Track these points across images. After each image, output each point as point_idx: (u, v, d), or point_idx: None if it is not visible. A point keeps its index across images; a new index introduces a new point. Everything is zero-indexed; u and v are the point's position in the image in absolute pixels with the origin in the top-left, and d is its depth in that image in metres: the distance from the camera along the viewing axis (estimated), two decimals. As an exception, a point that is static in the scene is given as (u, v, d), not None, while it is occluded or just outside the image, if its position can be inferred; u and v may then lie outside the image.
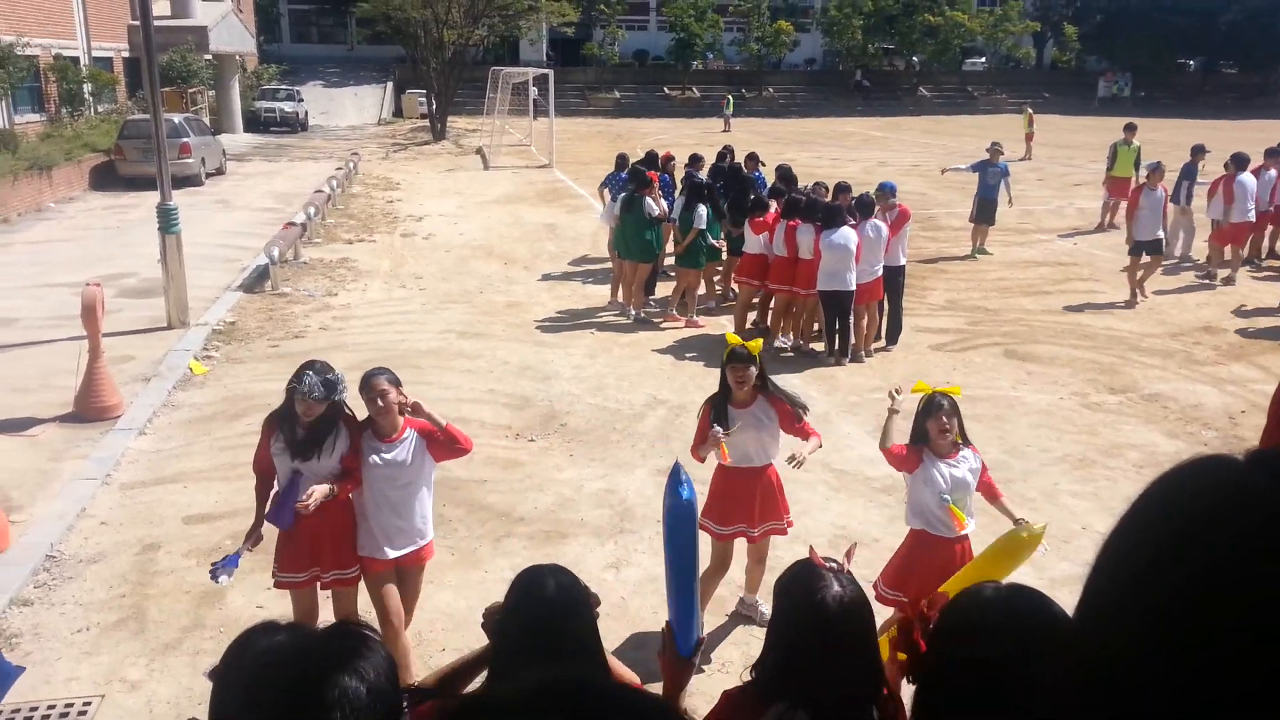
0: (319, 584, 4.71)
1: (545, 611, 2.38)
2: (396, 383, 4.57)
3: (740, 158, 13.89)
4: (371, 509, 4.66)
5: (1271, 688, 0.70)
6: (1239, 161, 14.01)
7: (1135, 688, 0.77)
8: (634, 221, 11.64)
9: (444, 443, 4.64)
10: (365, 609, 5.43)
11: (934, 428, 4.59)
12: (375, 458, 4.57)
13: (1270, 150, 14.93)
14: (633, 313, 11.89)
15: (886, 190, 10.93)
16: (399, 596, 4.77)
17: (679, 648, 3.07)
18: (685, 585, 3.24)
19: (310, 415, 4.44)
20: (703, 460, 5.23)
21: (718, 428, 5.04)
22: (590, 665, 2.38)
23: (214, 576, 4.64)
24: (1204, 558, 0.75)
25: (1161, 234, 12.83)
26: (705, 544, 5.02)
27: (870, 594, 3.62)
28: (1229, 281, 13.69)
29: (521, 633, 2.40)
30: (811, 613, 2.25)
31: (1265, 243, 15.42)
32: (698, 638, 3.11)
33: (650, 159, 14.13)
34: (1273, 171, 14.68)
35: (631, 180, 12.04)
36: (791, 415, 5.20)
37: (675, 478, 3.12)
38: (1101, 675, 0.81)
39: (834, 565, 2.36)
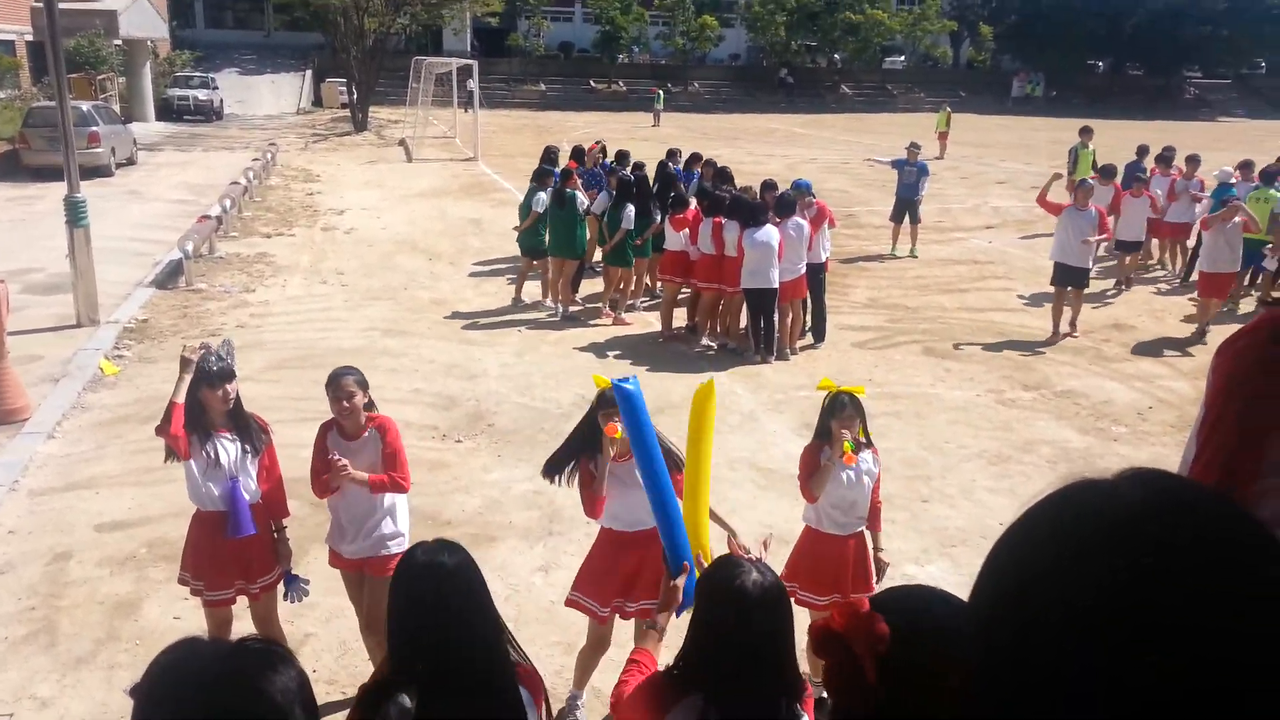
0: (248, 595, 4.63)
1: (417, 583, 2.36)
2: (364, 385, 4.53)
3: (668, 155, 13.96)
4: (341, 508, 4.63)
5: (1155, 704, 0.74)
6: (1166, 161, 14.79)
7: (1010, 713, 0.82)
8: (565, 217, 11.61)
9: (385, 478, 4.53)
10: (287, 618, 5.34)
11: (837, 425, 4.62)
12: (339, 457, 4.48)
13: (1159, 156, 15.38)
14: (559, 309, 11.87)
15: (802, 188, 11.10)
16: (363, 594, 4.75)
17: (669, 567, 3.18)
18: (659, 495, 3.35)
19: (230, 399, 4.40)
20: (599, 509, 4.49)
21: (611, 433, 4.30)
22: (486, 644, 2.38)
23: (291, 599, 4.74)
24: (1077, 579, 0.80)
25: (1088, 263, 11.31)
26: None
27: None
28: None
29: (401, 606, 2.38)
30: (729, 600, 2.31)
31: (1157, 254, 15.38)
32: (684, 562, 3.17)
33: (576, 152, 14.16)
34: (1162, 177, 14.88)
35: (536, 177, 12.21)
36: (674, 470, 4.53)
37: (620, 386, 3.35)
38: (983, 697, 0.86)
39: (751, 556, 2.43)
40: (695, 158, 13.93)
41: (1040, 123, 46.45)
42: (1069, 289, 11.19)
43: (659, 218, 11.74)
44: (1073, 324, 11.35)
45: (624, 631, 4.84)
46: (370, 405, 4.62)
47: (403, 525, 4.75)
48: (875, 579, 4.91)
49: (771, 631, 2.31)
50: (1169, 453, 8.14)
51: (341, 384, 4.46)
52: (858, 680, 2.23)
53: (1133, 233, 13.82)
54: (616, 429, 4.19)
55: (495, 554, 6.29)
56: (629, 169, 13.02)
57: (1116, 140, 22.67)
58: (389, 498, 4.64)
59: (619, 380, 3.43)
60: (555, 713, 4.85)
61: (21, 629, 5.33)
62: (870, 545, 4.95)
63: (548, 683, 4.98)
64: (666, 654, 3.98)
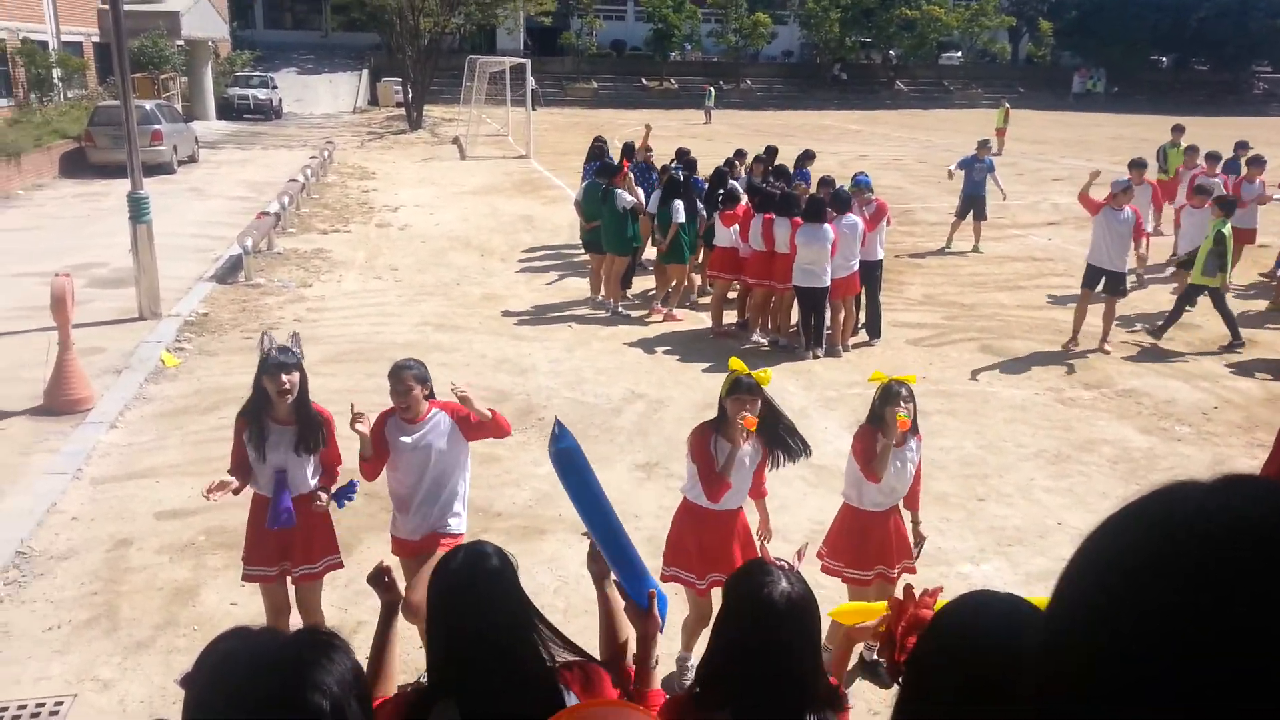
0: (289, 579, 4.71)
1: (447, 587, 2.33)
2: (423, 379, 4.61)
3: (729, 153, 13.98)
4: (402, 493, 4.69)
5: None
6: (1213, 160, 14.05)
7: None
8: (610, 214, 11.61)
9: (479, 425, 4.64)
10: (332, 607, 5.41)
11: (891, 413, 4.68)
12: (404, 439, 4.59)
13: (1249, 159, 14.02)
14: (611, 305, 11.87)
15: (861, 185, 10.96)
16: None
17: (634, 598, 3.06)
18: (605, 537, 3.19)
19: (287, 391, 4.44)
20: (722, 493, 4.65)
21: (749, 425, 4.51)
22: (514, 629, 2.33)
23: (339, 502, 4.76)
24: (1159, 593, 0.75)
25: (1124, 267, 10.52)
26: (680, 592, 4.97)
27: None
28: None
29: (437, 612, 2.35)
30: (754, 608, 2.25)
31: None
32: (650, 590, 3.07)
33: (627, 149, 14.13)
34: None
35: (601, 174, 12.06)
36: (764, 468, 4.85)
37: (553, 433, 3.04)
38: (1058, 707, 0.81)
39: (784, 565, 2.36)
40: (807, 155, 14.30)
41: (1102, 119, 45.50)
42: (1103, 295, 10.42)
43: (706, 214, 11.69)
44: (1105, 337, 10.51)
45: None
46: (430, 398, 4.68)
47: (463, 507, 4.83)
48: (915, 551, 5.12)
49: (796, 643, 2.24)
50: (1234, 454, 7.91)
51: (401, 378, 4.53)
52: (890, 651, 2.20)
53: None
54: (754, 421, 4.49)
55: (545, 546, 6.30)
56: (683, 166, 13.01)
57: (1190, 136, 22.04)
58: (461, 480, 4.75)
59: (556, 437, 3.02)
60: (665, 676, 4.92)
61: (84, 613, 5.45)
62: (909, 521, 5.15)
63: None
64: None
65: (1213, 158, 14.64)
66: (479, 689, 2.22)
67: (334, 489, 4.77)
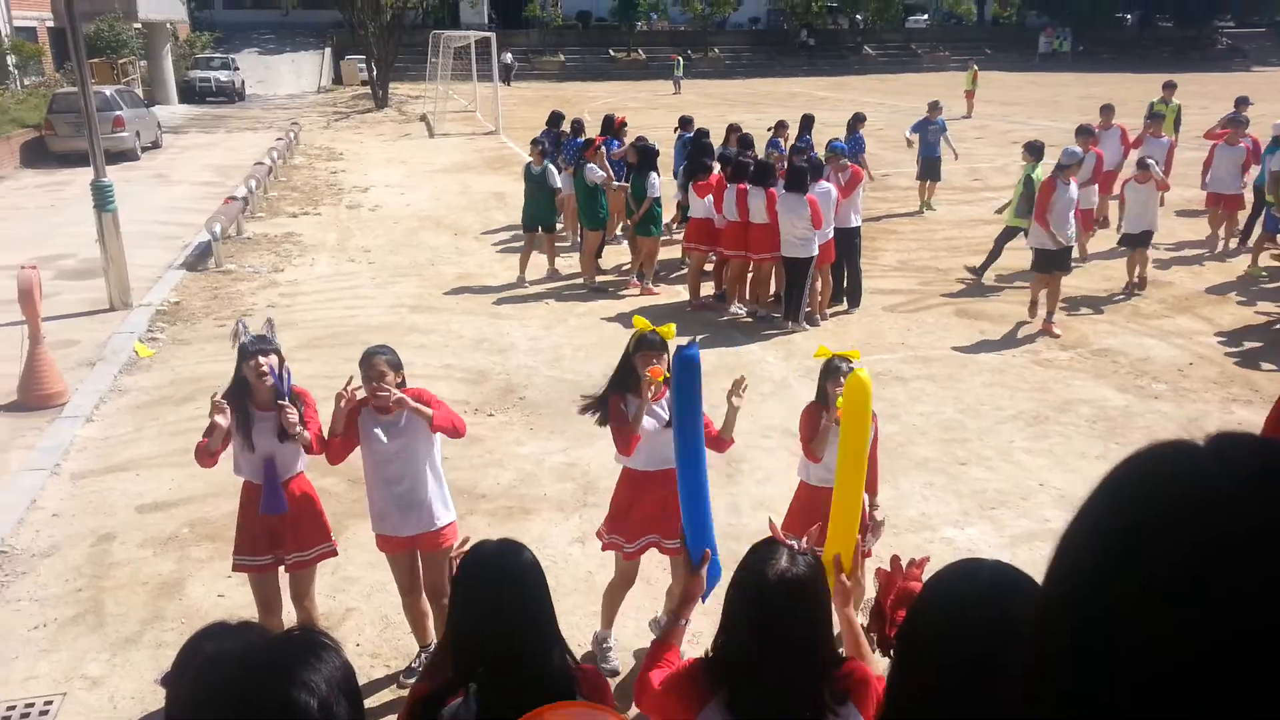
0: (282, 567, 4.67)
1: (477, 604, 2.32)
2: (396, 365, 4.47)
3: (699, 124, 13.82)
4: (379, 486, 4.59)
5: (1232, 686, 0.70)
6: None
7: (1094, 685, 0.77)
8: (581, 188, 11.55)
9: (446, 415, 4.54)
10: (320, 594, 5.38)
11: (831, 388, 4.62)
12: (377, 431, 4.48)
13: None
14: (588, 281, 11.82)
15: (837, 150, 10.92)
16: (416, 572, 4.74)
17: (690, 550, 3.10)
18: (688, 469, 3.27)
19: (265, 374, 4.38)
20: (632, 447, 4.60)
21: (655, 375, 4.40)
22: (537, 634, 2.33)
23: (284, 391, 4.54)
24: (1165, 555, 0.75)
25: (1055, 243, 9.83)
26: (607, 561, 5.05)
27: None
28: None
29: (460, 620, 2.36)
30: (754, 587, 2.26)
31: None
32: (705, 550, 3.09)
33: (607, 123, 14.02)
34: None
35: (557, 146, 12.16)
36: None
37: (690, 342, 3.29)
38: (1060, 670, 0.81)
39: (794, 543, 2.36)
40: (859, 118, 14.63)
41: (1069, 78, 45.61)
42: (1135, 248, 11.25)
43: (680, 185, 11.67)
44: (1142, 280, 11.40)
45: (651, 567, 4.83)
46: (402, 386, 4.57)
47: (448, 500, 4.75)
48: (868, 534, 4.85)
49: (796, 620, 2.22)
50: (1211, 409, 8.01)
51: (373, 363, 4.40)
52: (880, 623, 2.21)
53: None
54: (660, 371, 4.37)
55: (531, 526, 6.30)
56: (692, 134, 12.91)
57: (1147, 94, 22.15)
58: (430, 473, 4.61)
59: (684, 346, 3.33)
60: (581, 656, 4.93)
61: (69, 610, 5.40)
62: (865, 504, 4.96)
63: (584, 651, 5.02)
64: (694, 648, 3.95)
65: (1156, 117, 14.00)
66: (502, 682, 2.23)
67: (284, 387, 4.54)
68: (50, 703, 4.63)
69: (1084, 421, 7.86)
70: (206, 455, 4.42)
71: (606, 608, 5.02)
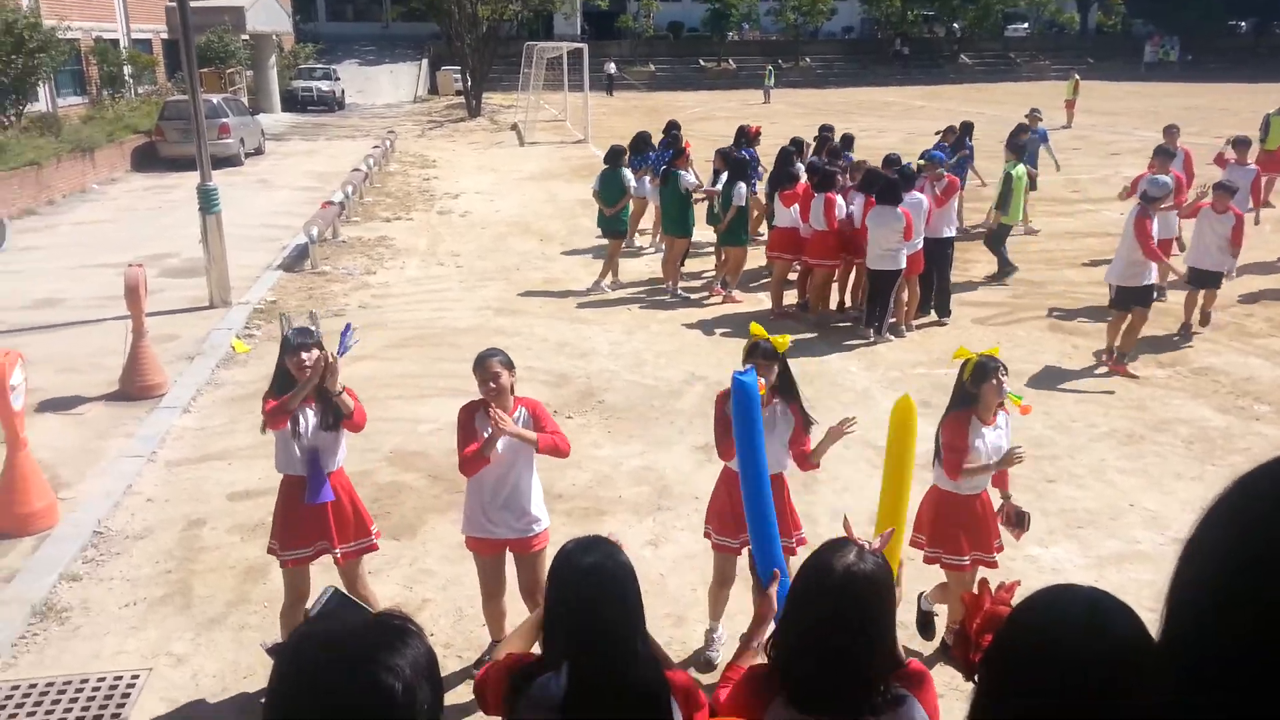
0: (333, 558, 4.68)
1: (574, 596, 2.38)
2: (509, 365, 4.48)
3: (790, 133, 13.68)
4: (475, 488, 4.61)
5: None
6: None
7: (1236, 707, 0.71)
8: (670, 195, 11.57)
9: (549, 434, 4.55)
10: (396, 585, 5.46)
11: (989, 388, 4.57)
12: (486, 434, 4.46)
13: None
14: (670, 288, 11.83)
15: (935, 160, 10.72)
16: (502, 576, 4.76)
17: (759, 572, 3.08)
18: (752, 489, 3.27)
19: (307, 368, 4.41)
20: (732, 452, 4.70)
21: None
22: (626, 643, 2.36)
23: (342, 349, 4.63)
24: None
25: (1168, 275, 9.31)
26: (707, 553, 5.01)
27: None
28: None
29: (556, 609, 2.42)
30: (818, 580, 2.24)
31: None
32: (774, 570, 3.07)
33: (741, 134, 13.71)
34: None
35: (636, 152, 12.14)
36: (802, 427, 4.75)
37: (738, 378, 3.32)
38: (1194, 697, 0.74)
39: (863, 542, 2.32)
40: (968, 127, 14.48)
41: (1175, 89, 44.04)
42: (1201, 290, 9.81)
43: (767, 195, 11.59)
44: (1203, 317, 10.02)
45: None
46: (513, 386, 4.57)
47: (542, 506, 4.75)
48: (1021, 524, 4.94)
49: (862, 616, 2.18)
50: (1320, 433, 7.61)
51: (488, 365, 4.41)
52: (965, 650, 2.14)
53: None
54: (762, 384, 4.32)
55: (605, 527, 6.30)
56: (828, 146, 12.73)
57: (1259, 105, 21.26)
58: (533, 480, 4.64)
59: (738, 372, 3.35)
60: (692, 651, 4.98)
61: (159, 590, 5.61)
62: (1001, 499, 4.99)
63: (670, 651, 5.00)
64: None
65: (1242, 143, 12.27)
66: (592, 661, 2.30)
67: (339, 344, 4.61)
68: (137, 677, 4.81)
69: (1181, 442, 7.54)
70: (283, 413, 4.42)
71: (711, 602, 5.05)
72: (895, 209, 9.54)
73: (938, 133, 13.62)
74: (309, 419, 4.57)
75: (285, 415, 4.45)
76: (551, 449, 4.51)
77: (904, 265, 9.77)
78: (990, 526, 4.85)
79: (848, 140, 13.46)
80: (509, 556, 4.76)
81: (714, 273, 12.21)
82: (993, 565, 4.83)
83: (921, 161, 10.78)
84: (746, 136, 13.56)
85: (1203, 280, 9.56)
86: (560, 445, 4.54)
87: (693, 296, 11.77)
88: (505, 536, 4.64)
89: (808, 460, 4.73)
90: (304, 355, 4.44)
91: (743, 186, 11.21)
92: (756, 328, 4.69)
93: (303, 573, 4.72)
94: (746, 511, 3.35)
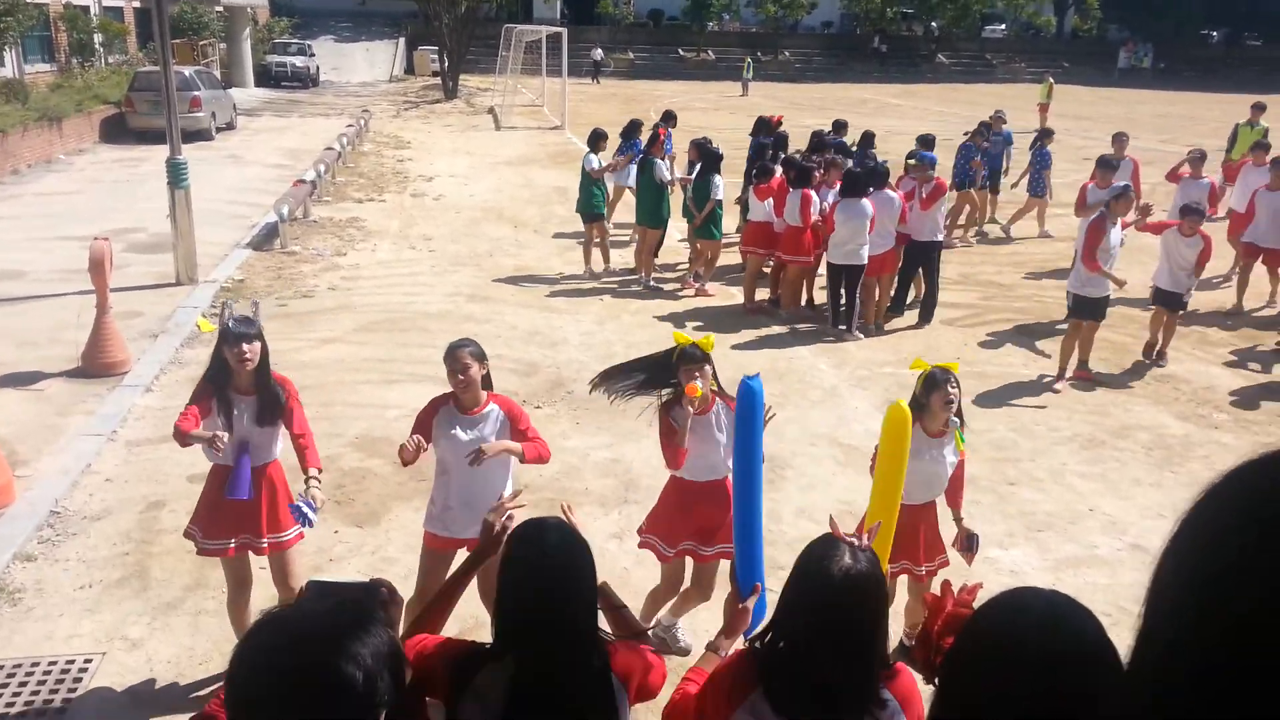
0: (254, 550, 4.55)
1: (529, 583, 2.32)
2: (481, 356, 4.39)
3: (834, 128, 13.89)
4: (442, 485, 4.52)
5: None
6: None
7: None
8: (645, 184, 11.55)
9: (528, 437, 4.48)
10: (358, 574, 5.43)
11: (938, 399, 4.55)
12: (456, 430, 4.39)
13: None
14: (643, 279, 11.82)
15: (924, 160, 10.56)
16: (441, 577, 4.65)
17: (740, 582, 3.06)
18: (743, 499, 3.24)
19: (247, 360, 4.31)
20: (680, 460, 4.60)
21: (691, 393, 4.41)
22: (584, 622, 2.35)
23: (303, 522, 4.58)
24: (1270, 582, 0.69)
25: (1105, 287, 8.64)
26: (652, 562, 4.99)
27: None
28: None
29: (507, 580, 2.35)
30: (815, 581, 2.22)
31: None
32: (756, 584, 3.04)
33: (761, 124, 13.44)
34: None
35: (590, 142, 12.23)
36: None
37: (754, 376, 3.33)
38: (1167, 709, 0.75)
39: (854, 540, 2.31)
40: (1047, 133, 14.40)
41: (1148, 95, 44.55)
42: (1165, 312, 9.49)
43: (741, 188, 11.59)
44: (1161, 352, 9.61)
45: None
46: (487, 379, 4.50)
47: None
48: (971, 547, 4.86)
49: (857, 617, 2.18)
50: (1274, 442, 7.73)
51: (458, 355, 4.32)
52: (926, 650, 2.15)
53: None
54: (697, 388, 4.41)
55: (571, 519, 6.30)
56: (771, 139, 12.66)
57: (1229, 115, 21.57)
58: (506, 480, 4.56)
59: (748, 377, 3.33)
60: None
61: (116, 573, 5.54)
62: (955, 517, 4.94)
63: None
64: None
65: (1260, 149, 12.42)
66: (538, 654, 2.25)
67: (295, 502, 4.59)
68: (90, 661, 4.75)
69: (1140, 448, 7.65)
70: (183, 438, 4.32)
71: (647, 606, 4.96)
72: (860, 201, 9.58)
73: (966, 132, 13.71)
74: (243, 410, 4.42)
75: (187, 439, 4.30)
76: (536, 459, 4.50)
77: (865, 261, 9.79)
78: (927, 542, 4.80)
79: (868, 137, 13.43)
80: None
81: (687, 266, 12.22)
82: (921, 580, 4.81)
83: (911, 162, 10.72)
84: (768, 126, 13.35)
85: (1167, 300, 9.38)
86: (543, 453, 4.52)
87: (665, 288, 11.76)
88: (466, 537, 4.49)
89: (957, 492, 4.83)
90: (244, 346, 4.29)
91: (718, 178, 11.20)
92: (679, 335, 4.63)
93: (236, 562, 4.57)
94: (735, 521, 3.32)
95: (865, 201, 9.63)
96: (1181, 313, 9.56)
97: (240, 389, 4.42)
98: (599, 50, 45.96)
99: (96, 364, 8.43)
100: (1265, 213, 10.97)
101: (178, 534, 5.96)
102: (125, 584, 5.44)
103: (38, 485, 6.45)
